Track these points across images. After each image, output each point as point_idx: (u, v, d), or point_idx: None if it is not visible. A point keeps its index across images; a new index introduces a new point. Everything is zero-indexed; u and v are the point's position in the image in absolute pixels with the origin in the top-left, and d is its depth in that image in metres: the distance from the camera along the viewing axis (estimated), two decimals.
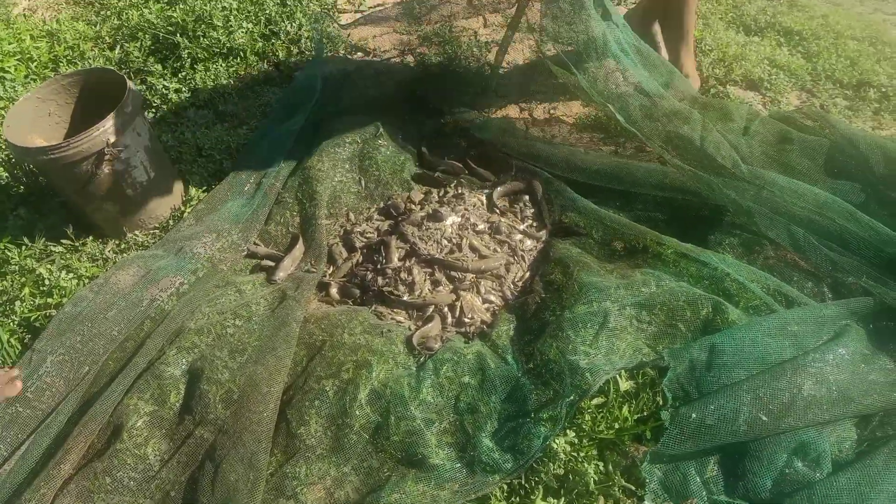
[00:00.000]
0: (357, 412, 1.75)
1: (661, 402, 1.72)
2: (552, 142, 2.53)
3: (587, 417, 1.71)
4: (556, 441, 1.66)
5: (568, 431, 1.69)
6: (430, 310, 2.02)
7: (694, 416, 1.63)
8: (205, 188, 2.55)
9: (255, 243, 2.30)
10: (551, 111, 2.63)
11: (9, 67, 3.02)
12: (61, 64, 3.11)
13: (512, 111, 2.81)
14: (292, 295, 2.05)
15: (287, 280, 2.14)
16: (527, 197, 2.39)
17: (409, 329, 2.00)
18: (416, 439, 1.70)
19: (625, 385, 1.75)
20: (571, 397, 1.69)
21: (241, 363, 1.87)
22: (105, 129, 2.09)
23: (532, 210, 2.36)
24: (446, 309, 2.02)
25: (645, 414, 1.72)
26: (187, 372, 1.88)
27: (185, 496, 1.68)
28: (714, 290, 1.92)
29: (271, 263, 2.23)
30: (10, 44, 3.10)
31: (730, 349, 1.72)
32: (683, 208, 2.20)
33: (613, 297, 1.88)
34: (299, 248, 2.24)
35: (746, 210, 2.05)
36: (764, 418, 1.59)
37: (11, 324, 2.11)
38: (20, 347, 2.06)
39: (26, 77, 3.06)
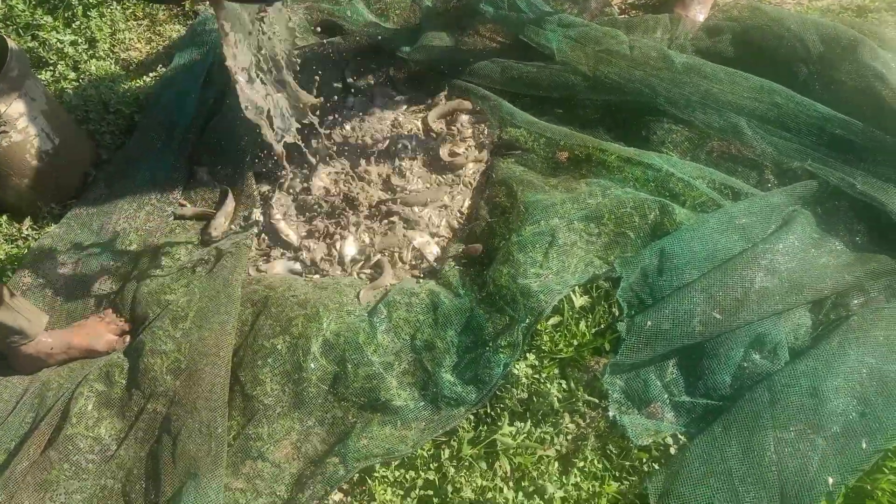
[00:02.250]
0: (312, 365, 1.69)
1: (617, 314, 1.71)
2: (485, 54, 2.39)
3: (545, 338, 1.68)
4: (517, 366, 1.64)
5: (528, 355, 1.67)
6: (377, 258, 1.94)
7: (649, 323, 1.62)
8: (118, 146, 2.37)
9: (180, 204, 2.15)
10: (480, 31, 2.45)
11: None
12: None
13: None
14: (230, 252, 1.95)
15: (223, 238, 2.03)
16: (464, 117, 2.28)
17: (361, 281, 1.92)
18: (376, 384, 1.66)
19: (580, 301, 1.72)
20: (527, 321, 1.66)
21: (184, 330, 1.78)
22: None
23: (470, 130, 2.25)
24: (395, 251, 1.94)
25: (602, 327, 1.71)
26: (129, 347, 1.79)
27: (147, 471, 1.63)
28: (660, 192, 1.88)
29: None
30: None
31: (680, 251, 1.70)
32: (623, 111, 2.12)
33: (560, 212, 1.82)
34: (230, 202, 2.11)
35: (685, 104, 1.98)
36: (718, 316, 1.58)
37: None
38: None
39: None
